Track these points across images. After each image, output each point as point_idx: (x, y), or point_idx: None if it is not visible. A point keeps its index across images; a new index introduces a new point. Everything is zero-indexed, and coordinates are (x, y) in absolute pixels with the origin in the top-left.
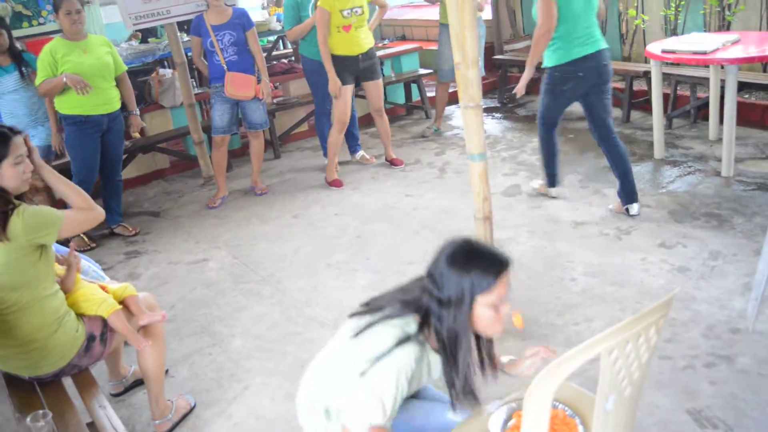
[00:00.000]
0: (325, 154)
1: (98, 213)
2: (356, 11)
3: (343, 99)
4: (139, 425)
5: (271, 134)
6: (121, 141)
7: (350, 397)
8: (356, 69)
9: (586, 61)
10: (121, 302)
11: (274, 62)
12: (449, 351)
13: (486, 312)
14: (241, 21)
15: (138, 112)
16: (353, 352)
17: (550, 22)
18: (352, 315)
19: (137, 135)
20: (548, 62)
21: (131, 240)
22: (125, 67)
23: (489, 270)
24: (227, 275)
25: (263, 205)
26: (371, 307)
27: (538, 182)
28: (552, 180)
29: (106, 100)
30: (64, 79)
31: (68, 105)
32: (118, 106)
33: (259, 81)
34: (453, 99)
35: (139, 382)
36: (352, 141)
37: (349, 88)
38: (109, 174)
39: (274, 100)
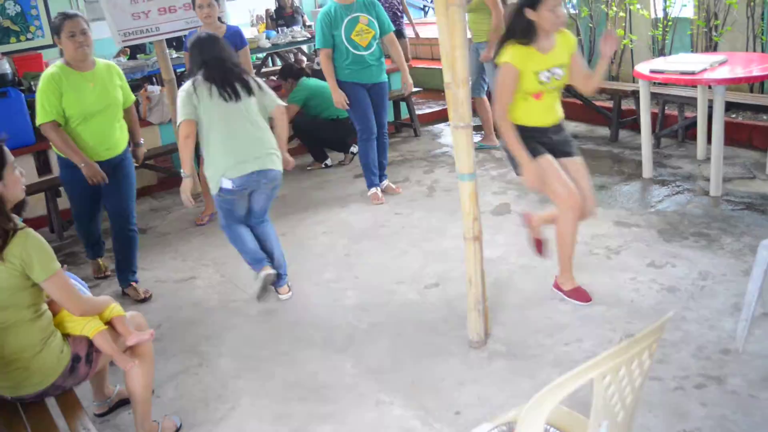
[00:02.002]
0: (369, 185)
1: (89, 312)
2: (556, 74)
3: (547, 173)
4: None
5: None
6: (130, 184)
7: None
8: (548, 141)
9: None
10: (108, 322)
11: (263, 79)
12: None
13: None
14: (233, 40)
15: (143, 143)
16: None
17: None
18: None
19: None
20: None
21: None
22: (134, 98)
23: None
24: (215, 294)
25: None
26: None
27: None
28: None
29: (109, 144)
30: (82, 164)
31: None
32: (123, 147)
33: None
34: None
35: (123, 402)
36: (379, 169)
37: (548, 159)
38: (119, 223)
39: None
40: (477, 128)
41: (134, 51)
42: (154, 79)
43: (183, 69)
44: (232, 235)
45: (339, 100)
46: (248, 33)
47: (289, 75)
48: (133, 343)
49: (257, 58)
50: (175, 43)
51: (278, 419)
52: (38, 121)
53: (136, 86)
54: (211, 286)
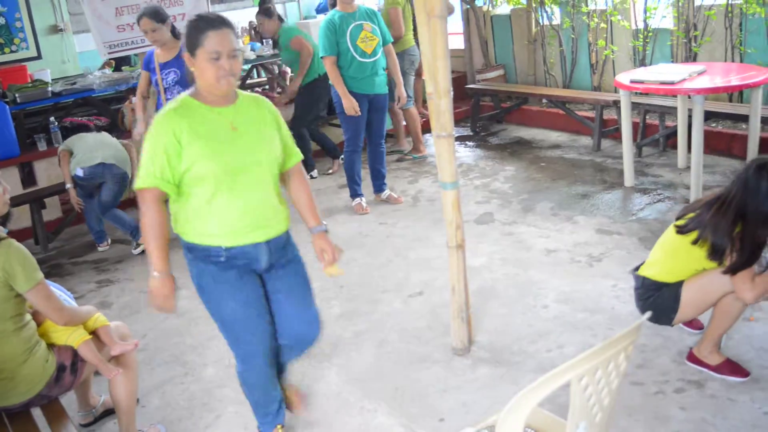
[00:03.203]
0: (352, 195)
1: (73, 322)
2: None
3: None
4: None
5: None
6: (303, 285)
7: None
8: None
9: None
10: (93, 332)
11: (249, 90)
12: None
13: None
14: None
15: (326, 228)
16: None
17: None
18: None
19: (334, 272)
20: None
21: (103, 268)
22: (301, 155)
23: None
24: (199, 304)
25: None
26: None
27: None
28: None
29: (259, 222)
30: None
31: (197, 228)
32: (284, 226)
33: None
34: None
35: (109, 412)
36: (378, 179)
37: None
38: (296, 347)
39: None
40: (459, 139)
41: (119, 63)
42: None
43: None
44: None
45: (349, 105)
46: None
47: (265, 15)
48: (118, 353)
49: (242, 70)
50: None
51: None
52: (137, 182)
53: (120, 98)
54: (196, 297)
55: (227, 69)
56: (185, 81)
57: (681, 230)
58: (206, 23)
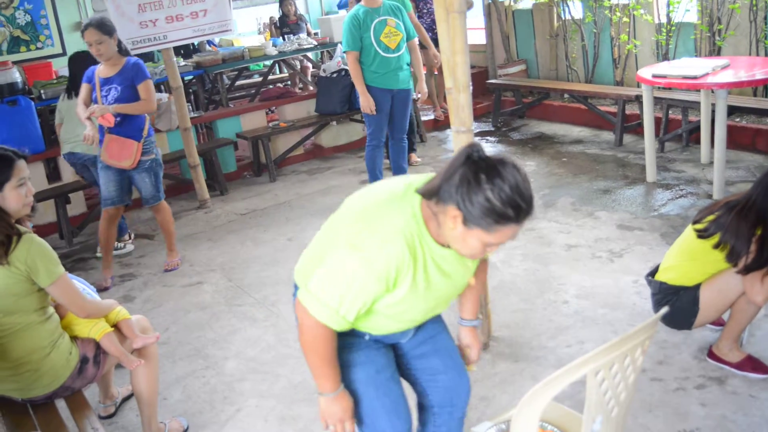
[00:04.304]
0: None
1: (94, 315)
2: None
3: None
4: None
5: (267, 158)
6: (444, 329)
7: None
8: None
9: None
10: (114, 325)
11: (270, 86)
12: None
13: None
14: (130, 74)
15: (480, 321)
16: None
17: None
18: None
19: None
20: None
21: (126, 263)
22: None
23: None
24: (221, 298)
25: (258, 228)
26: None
27: None
28: None
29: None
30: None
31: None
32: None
33: (139, 140)
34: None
35: (128, 398)
36: (399, 174)
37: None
38: None
39: (270, 124)
40: (480, 134)
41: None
42: (162, 87)
43: (191, 77)
44: None
45: (366, 104)
46: (255, 41)
47: None
48: (140, 345)
49: (264, 65)
50: (183, 51)
51: (284, 420)
52: (310, 306)
53: None
54: (218, 291)
55: (487, 251)
56: (126, 98)
57: (702, 234)
58: (516, 214)
